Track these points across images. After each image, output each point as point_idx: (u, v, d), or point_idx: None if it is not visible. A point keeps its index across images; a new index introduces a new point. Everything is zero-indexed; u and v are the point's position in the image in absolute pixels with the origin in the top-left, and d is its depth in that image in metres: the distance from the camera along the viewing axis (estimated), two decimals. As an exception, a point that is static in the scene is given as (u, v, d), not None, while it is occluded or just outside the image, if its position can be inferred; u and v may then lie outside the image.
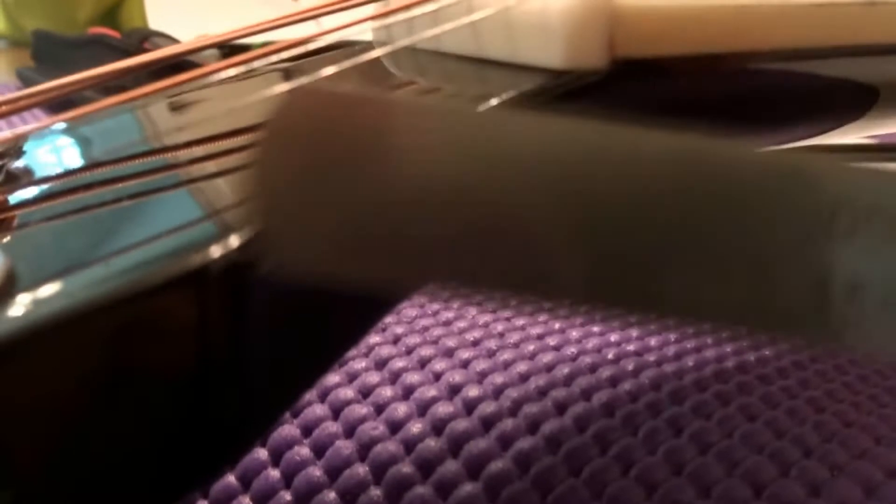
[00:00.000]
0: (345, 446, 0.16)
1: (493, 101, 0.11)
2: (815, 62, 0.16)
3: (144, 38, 0.54)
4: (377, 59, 0.15)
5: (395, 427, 0.16)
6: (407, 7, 0.15)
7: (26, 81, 0.60)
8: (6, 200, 0.11)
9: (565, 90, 0.12)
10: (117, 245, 0.09)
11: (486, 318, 0.21)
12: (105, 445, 0.08)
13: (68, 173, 0.13)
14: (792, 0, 0.15)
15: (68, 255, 0.10)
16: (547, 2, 0.12)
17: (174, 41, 0.54)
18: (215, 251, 0.08)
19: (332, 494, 0.15)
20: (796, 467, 0.15)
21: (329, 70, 0.13)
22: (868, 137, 0.45)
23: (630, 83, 0.14)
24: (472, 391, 0.17)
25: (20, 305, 0.08)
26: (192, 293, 0.08)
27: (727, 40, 0.14)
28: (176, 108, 0.14)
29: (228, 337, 0.09)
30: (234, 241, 0.08)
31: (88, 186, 0.12)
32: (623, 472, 0.15)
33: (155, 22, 0.68)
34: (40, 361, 0.07)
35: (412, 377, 0.18)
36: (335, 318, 0.10)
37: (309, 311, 0.10)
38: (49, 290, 0.08)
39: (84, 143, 0.14)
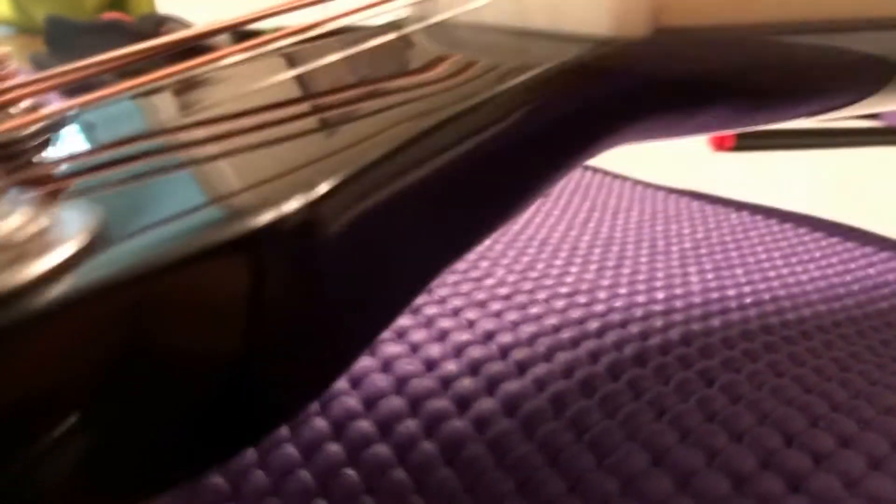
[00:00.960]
0: (380, 379, 0.16)
1: (535, 72, 0.11)
2: (843, 36, 0.17)
3: (160, 23, 0.55)
4: (410, 35, 0.15)
5: (430, 365, 0.17)
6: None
7: (40, 67, 0.60)
8: (51, 173, 0.12)
9: (607, 60, 0.13)
10: (168, 212, 0.09)
11: (513, 276, 0.22)
12: (155, 409, 0.08)
13: (113, 144, 0.13)
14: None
15: (126, 222, 0.09)
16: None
17: (188, 26, 0.54)
18: (273, 214, 0.08)
19: (366, 423, 0.15)
20: (825, 420, 0.15)
21: (361, 47, 0.13)
22: (876, 120, 0.46)
23: (669, 52, 0.14)
24: (506, 338, 0.18)
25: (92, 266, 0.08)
26: (252, 256, 0.08)
27: (766, 11, 0.15)
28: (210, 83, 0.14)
29: (288, 300, 0.09)
30: (295, 203, 0.08)
31: (133, 158, 0.12)
32: (657, 417, 0.15)
33: (162, 6, 0.68)
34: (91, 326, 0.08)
35: (446, 323, 0.18)
36: (395, 270, 0.11)
37: (370, 268, 0.10)
38: (118, 251, 0.08)
39: (122, 119, 0.14)
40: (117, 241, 0.08)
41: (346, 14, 0.15)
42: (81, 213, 0.09)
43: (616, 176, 0.36)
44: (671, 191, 0.34)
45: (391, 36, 0.14)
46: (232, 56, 0.12)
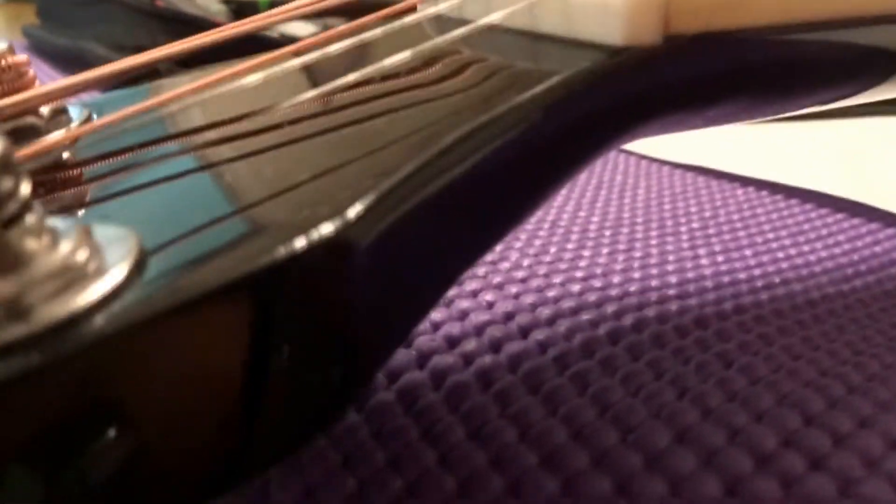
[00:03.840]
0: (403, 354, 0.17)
1: (553, 80, 0.12)
2: (849, 31, 0.17)
3: (157, -3, 0.54)
4: (419, 25, 0.15)
5: (452, 343, 0.17)
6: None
7: (34, 39, 0.59)
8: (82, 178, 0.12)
9: (621, 67, 0.13)
10: (223, 210, 0.10)
11: (528, 261, 0.22)
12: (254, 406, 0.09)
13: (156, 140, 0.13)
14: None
15: (179, 220, 0.10)
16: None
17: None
18: (353, 214, 0.09)
19: (388, 395, 0.16)
20: (842, 402, 0.16)
21: (372, 33, 0.13)
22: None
23: (680, 58, 0.14)
24: (525, 318, 0.18)
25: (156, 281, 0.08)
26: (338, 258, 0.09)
27: (773, 13, 0.15)
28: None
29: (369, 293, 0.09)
30: (326, 229, 0.09)
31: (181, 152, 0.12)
32: (678, 396, 0.16)
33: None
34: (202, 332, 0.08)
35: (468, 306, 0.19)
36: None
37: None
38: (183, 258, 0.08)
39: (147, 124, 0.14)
40: (159, 262, 0.08)
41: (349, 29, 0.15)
42: (122, 234, 0.09)
43: (620, 150, 0.36)
44: (676, 166, 0.34)
45: (392, 26, 0.14)
46: (253, 71, 0.12)
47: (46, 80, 0.50)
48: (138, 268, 0.08)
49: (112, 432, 0.07)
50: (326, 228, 0.09)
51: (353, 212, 0.09)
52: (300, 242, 0.08)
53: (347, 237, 0.09)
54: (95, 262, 0.08)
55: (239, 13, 0.60)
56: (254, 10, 0.60)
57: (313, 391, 0.09)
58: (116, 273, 0.08)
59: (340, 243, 0.09)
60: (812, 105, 0.19)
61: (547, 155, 0.12)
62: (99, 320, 0.07)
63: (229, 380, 0.08)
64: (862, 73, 0.19)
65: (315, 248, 0.08)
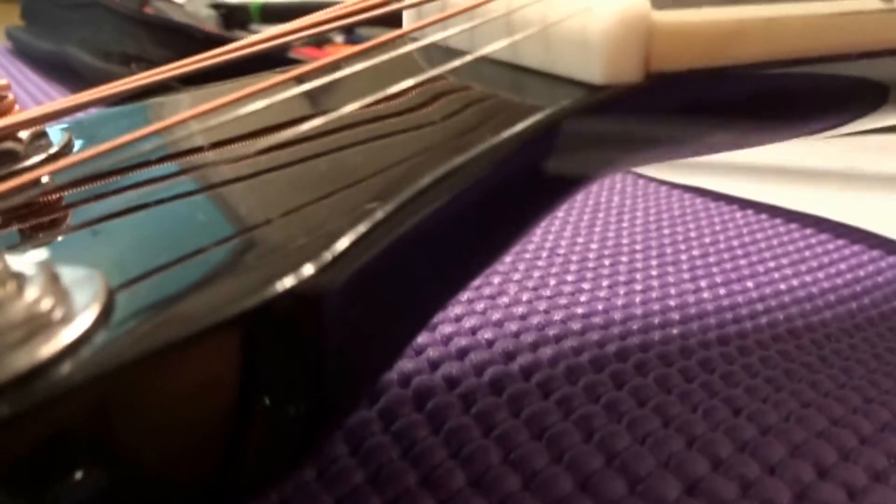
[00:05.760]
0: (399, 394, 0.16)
1: (538, 116, 0.12)
2: (835, 65, 0.17)
3: (144, 2, 0.53)
4: (408, 54, 0.15)
5: (450, 383, 0.17)
6: (443, 20, 0.15)
7: (18, 43, 0.58)
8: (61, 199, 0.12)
9: (601, 105, 0.13)
10: (195, 244, 0.10)
11: (528, 295, 0.21)
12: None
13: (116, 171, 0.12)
14: (818, 10, 0.16)
15: (148, 254, 0.10)
16: (586, 20, 0.13)
17: (174, 4, 0.53)
18: (328, 257, 0.09)
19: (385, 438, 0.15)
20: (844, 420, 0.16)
21: (361, 65, 0.13)
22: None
23: (662, 96, 0.14)
24: (526, 358, 0.18)
25: (132, 322, 0.08)
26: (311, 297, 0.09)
27: (757, 51, 0.15)
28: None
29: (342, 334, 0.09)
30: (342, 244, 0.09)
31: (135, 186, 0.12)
32: (687, 445, 0.15)
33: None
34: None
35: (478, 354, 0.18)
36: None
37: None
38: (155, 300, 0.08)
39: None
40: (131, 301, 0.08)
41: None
42: (89, 276, 0.08)
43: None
44: (674, 186, 0.34)
45: (382, 57, 0.14)
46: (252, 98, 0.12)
47: (29, 84, 0.49)
48: (105, 313, 0.08)
49: (78, 477, 0.07)
50: (298, 274, 0.08)
51: (326, 257, 0.09)
52: (270, 290, 0.08)
53: (319, 283, 0.09)
54: (62, 309, 0.08)
55: (228, 18, 0.59)
56: (244, 15, 0.60)
57: (283, 433, 0.09)
58: (83, 320, 0.08)
59: (312, 290, 0.09)
60: (801, 136, 0.18)
61: (525, 191, 0.12)
62: (62, 371, 0.07)
63: (198, 423, 0.08)
64: (850, 105, 0.19)
65: (286, 296, 0.08)
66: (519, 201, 0.12)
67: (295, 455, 0.10)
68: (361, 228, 0.09)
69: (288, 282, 0.08)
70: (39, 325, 0.08)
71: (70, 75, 0.48)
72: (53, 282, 0.08)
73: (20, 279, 0.08)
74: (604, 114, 0.13)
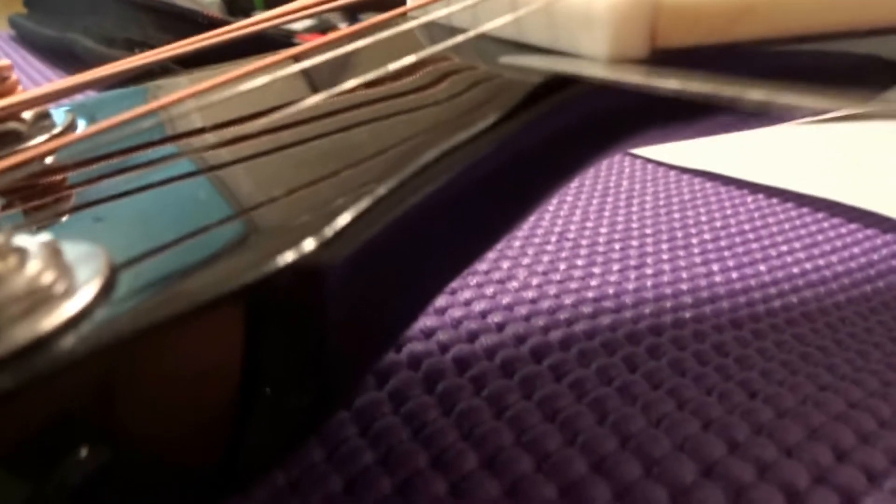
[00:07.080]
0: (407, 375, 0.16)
1: (541, 94, 0.12)
2: (845, 42, 0.17)
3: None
4: (410, 31, 0.15)
5: (460, 364, 0.16)
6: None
7: (21, 30, 0.58)
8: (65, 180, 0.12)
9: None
10: (196, 223, 0.10)
11: (538, 279, 0.21)
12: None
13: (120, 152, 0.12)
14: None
15: (152, 234, 0.10)
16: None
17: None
18: (329, 232, 0.09)
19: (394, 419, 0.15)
20: (862, 404, 0.16)
21: (362, 42, 0.13)
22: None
23: (667, 71, 0.14)
24: (537, 341, 0.18)
25: (134, 298, 0.08)
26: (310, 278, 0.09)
27: (765, 27, 0.15)
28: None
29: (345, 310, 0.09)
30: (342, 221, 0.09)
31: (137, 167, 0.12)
32: (703, 428, 0.15)
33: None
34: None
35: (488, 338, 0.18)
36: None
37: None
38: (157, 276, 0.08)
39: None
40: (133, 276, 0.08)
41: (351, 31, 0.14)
42: (92, 252, 0.08)
43: (625, 153, 0.35)
44: (682, 171, 0.34)
45: (385, 33, 0.14)
46: (251, 76, 0.12)
47: (32, 71, 0.48)
48: (107, 288, 0.08)
49: (81, 453, 0.07)
50: (299, 249, 0.08)
51: (327, 233, 0.09)
52: (272, 265, 0.08)
53: (320, 258, 0.09)
54: (64, 283, 0.08)
55: (232, 5, 0.59)
56: (247, 2, 0.59)
57: (286, 409, 0.09)
58: (84, 294, 0.08)
59: (313, 265, 0.08)
60: (807, 116, 0.18)
61: (530, 169, 0.12)
62: (64, 344, 0.07)
63: (200, 399, 0.08)
64: (859, 83, 0.19)
65: (287, 270, 0.08)
66: (522, 180, 0.12)
67: (298, 432, 0.10)
68: (363, 205, 0.09)
69: (289, 256, 0.08)
70: (41, 299, 0.07)
71: (73, 62, 0.48)
72: (56, 257, 0.08)
73: (22, 254, 0.08)
74: (609, 91, 0.12)
